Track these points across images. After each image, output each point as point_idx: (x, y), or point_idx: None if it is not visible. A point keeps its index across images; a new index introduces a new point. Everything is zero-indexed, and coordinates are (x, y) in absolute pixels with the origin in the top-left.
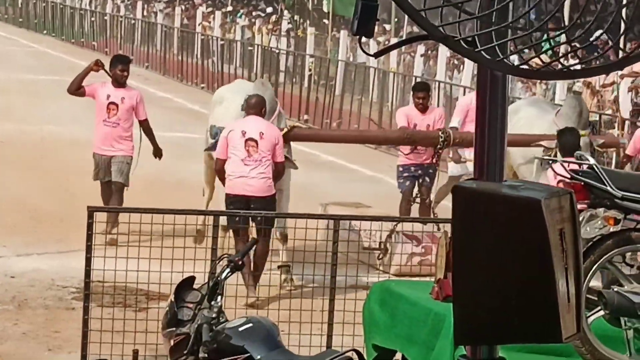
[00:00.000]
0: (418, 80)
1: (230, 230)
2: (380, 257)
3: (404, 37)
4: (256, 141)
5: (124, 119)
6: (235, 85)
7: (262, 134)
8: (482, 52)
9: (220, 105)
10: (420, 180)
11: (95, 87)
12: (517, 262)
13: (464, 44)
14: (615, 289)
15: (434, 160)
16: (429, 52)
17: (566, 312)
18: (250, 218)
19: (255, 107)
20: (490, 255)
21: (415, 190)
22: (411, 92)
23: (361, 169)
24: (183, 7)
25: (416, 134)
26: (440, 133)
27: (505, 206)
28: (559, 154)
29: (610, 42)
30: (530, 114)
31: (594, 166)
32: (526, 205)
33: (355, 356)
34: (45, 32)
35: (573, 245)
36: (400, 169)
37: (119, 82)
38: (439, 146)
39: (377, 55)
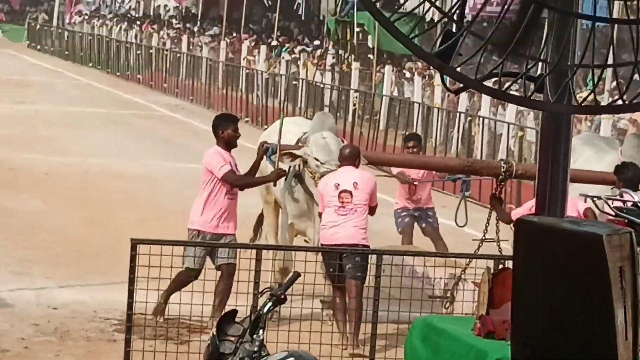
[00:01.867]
0: (462, 114)
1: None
2: (447, 305)
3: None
4: (350, 192)
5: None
6: (297, 118)
7: (356, 184)
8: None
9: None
10: (423, 225)
11: (226, 160)
12: (577, 297)
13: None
14: None
15: (496, 193)
16: None
17: (623, 350)
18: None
19: (349, 158)
20: (550, 289)
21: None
22: (403, 143)
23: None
24: (228, 40)
25: (477, 163)
26: (502, 163)
27: (567, 241)
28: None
29: None
30: (588, 155)
31: (638, 203)
32: (588, 241)
33: None
34: (90, 64)
35: (632, 284)
36: (399, 210)
37: (232, 145)
38: (500, 177)
39: (457, 92)
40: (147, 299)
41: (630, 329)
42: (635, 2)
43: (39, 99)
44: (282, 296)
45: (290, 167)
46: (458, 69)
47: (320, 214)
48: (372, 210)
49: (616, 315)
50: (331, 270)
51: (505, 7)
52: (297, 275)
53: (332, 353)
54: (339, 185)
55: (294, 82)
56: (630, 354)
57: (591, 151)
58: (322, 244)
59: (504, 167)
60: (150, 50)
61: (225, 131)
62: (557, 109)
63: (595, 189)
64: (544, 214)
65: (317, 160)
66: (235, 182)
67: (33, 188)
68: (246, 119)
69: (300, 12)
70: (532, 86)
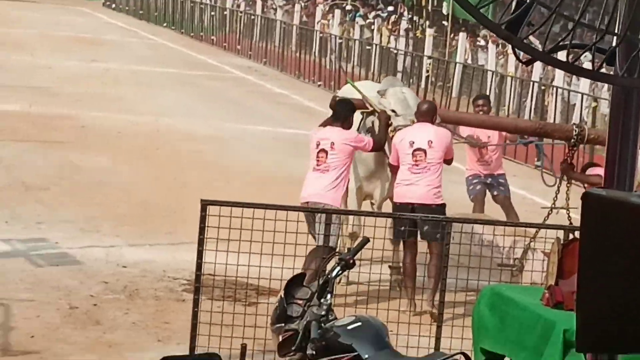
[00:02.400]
0: (535, 83)
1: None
2: (516, 274)
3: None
4: (424, 150)
5: None
6: (366, 82)
7: (431, 142)
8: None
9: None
10: (495, 192)
11: None
12: None
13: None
14: None
15: (568, 158)
16: None
17: None
18: (417, 229)
19: (427, 114)
20: (618, 263)
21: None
22: (473, 104)
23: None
24: (302, 4)
25: (548, 125)
26: (575, 127)
27: (634, 215)
28: None
29: None
30: None
31: None
32: None
33: (463, 359)
34: (164, 24)
35: None
36: (470, 177)
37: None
38: (572, 140)
39: (528, 62)
40: (215, 260)
41: None
42: None
43: (111, 58)
44: (351, 261)
45: (360, 124)
46: (531, 39)
47: (390, 165)
48: (448, 162)
49: None
50: (402, 228)
51: None
52: (366, 240)
53: (400, 319)
54: (413, 143)
55: (367, 47)
56: None
57: None
58: (395, 202)
59: (576, 131)
60: (225, 12)
61: (352, 118)
62: (627, 82)
63: None
64: (612, 187)
65: (394, 112)
66: (380, 144)
67: (103, 146)
68: (319, 83)
69: None
70: (602, 58)
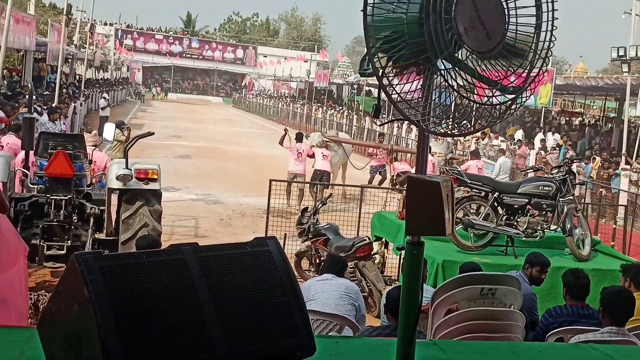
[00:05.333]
0: (391, 136)
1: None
2: (385, 207)
3: None
4: (327, 156)
5: None
6: (316, 132)
7: (327, 155)
8: (421, 123)
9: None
10: (380, 172)
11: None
12: (430, 204)
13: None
14: (466, 218)
15: (389, 159)
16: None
17: (448, 224)
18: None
19: (321, 144)
20: (421, 201)
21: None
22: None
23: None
24: (307, 105)
25: (382, 145)
26: (389, 145)
27: (426, 184)
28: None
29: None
30: (433, 148)
31: (458, 169)
32: (434, 184)
33: (367, 239)
34: (256, 113)
35: (452, 200)
36: (371, 167)
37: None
38: (389, 149)
39: (382, 125)
40: (275, 202)
41: (450, 217)
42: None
43: (236, 126)
44: (326, 201)
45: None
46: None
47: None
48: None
49: (446, 212)
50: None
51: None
52: (330, 194)
53: (343, 224)
54: (323, 152)
55: (331, 121)
56: (450, 226)
57: (435, 146)
58: (315, 169)
59: (390, 145)
60: (279, 108)
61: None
62: (425, 130)
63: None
64: (418, 173)
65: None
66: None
67: (232, 159)
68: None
69: (335, 97)
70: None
